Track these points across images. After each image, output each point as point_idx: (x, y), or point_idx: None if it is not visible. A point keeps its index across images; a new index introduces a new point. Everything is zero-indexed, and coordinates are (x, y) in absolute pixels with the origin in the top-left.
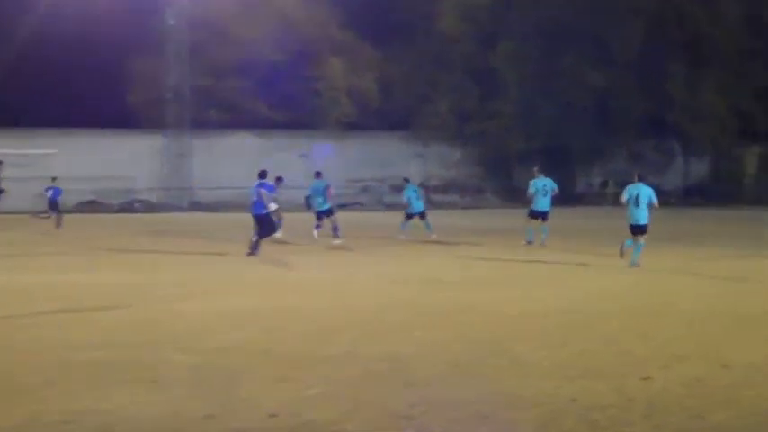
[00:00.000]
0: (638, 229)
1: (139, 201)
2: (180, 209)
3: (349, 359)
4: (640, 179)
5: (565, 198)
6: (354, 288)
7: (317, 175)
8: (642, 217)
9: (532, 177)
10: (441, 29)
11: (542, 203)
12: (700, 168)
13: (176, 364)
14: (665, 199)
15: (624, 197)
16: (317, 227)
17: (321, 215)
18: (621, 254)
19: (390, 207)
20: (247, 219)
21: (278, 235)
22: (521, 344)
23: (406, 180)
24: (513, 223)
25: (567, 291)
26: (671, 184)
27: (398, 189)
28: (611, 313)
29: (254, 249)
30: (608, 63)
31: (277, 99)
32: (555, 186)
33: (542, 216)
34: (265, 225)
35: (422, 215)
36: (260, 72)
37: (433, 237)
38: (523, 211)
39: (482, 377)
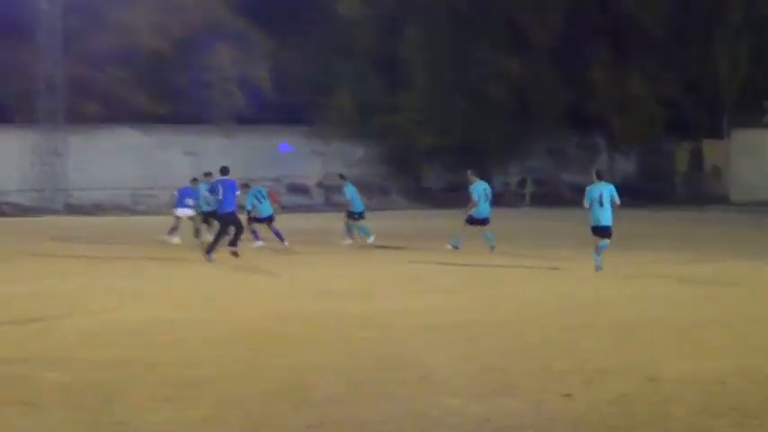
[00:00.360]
0: (603, 231)
1: (8, 203)
2: (54, 211)
3: (240, 376)
4: (600, 177)
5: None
6: (254, 299)
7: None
8: (607, 218)
9: (466, 182)
10: (341, 13)
11: (487, 210)
12: (626, 165)
13: (51, 383)
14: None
15: (587, 201)
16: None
17: (262, 221)
18: (599, 266)
19: (287, 209)
20: (125, 222)
21: (175, 240)
22: (429, 358)
23: (342, 177)
24: (425, 226)
25: (481, 299)
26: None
27: (296, 189)
28: (529, 323)
29: (210, 250)
30: (526, 50)
31: (161, 91)
32: (491, 191)
33: (485, 222)
34: (235, 224)
35: (362, 215)
36: (142, 61)
37: (370, 240)
38: (433, 213)
39: (386, 395)
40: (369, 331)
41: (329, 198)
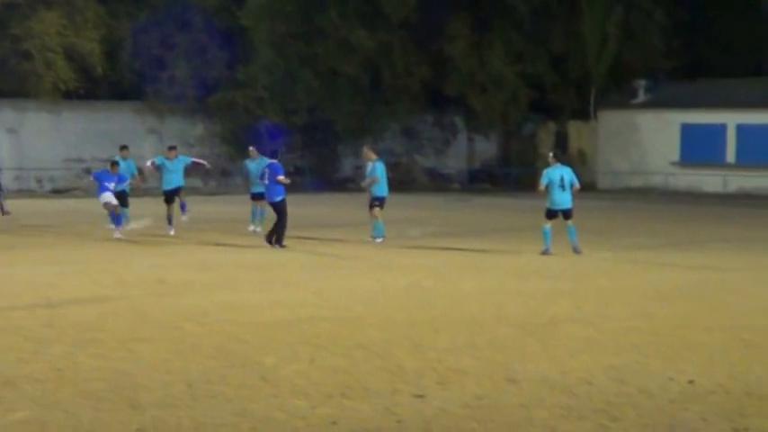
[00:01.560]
0: (566, 214)
1: None
2: None
3: (61, 376)
4: (558, 159)
5: (327, 183)
6: (78, 291)
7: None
8: (568, 200)
9: (366, 159)
10: None
11: (385, 189)
12: (487, 148)
13: None
14: (446, 184)
15: (543, 183)
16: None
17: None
18: (546, 250)
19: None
20: None
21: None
22: (270, 356)
23: (251, 155)
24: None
25: (326, 293)
26: (454, 166)
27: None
28: (379, 318)
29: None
30: (380, 23)
31: None
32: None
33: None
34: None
35: (263, 195)
36: None
37: (258, 230)
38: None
39: (223, 397)
40: (204, 327)
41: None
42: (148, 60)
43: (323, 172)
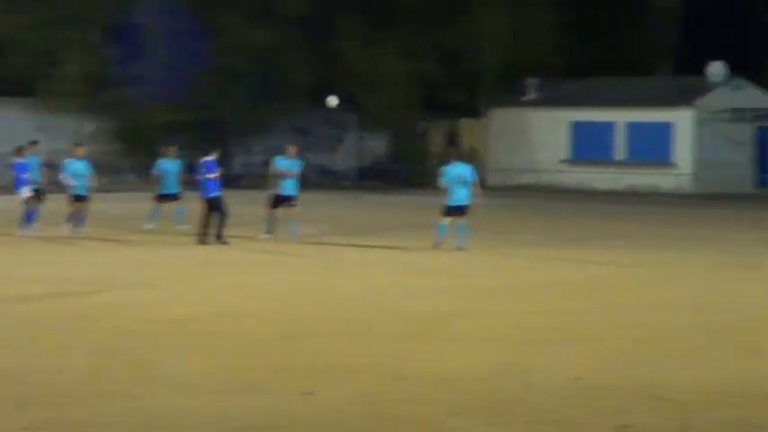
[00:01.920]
0: (461, 210)
1: None
2: None
3: None
4: (458, 157)
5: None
6: None
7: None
8: (466, 197)
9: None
10: None
11: (291, 187)
12: (378, 145)
13: None
14: (337, 182)
15: (444, 180)
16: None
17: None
18: (438, 243)
19: (6, 189)
20: None
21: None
22: (160, 354)
23: (162, 152)
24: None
25: (216, 289)
26: (345, 163)
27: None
28: (268, 317)
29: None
30: (273, 19)
31: None
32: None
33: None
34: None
35: (176, 197)
36: None
37: (184, 227)
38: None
39: (111, 394)
40: (92, 324)
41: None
42: (39, 55)
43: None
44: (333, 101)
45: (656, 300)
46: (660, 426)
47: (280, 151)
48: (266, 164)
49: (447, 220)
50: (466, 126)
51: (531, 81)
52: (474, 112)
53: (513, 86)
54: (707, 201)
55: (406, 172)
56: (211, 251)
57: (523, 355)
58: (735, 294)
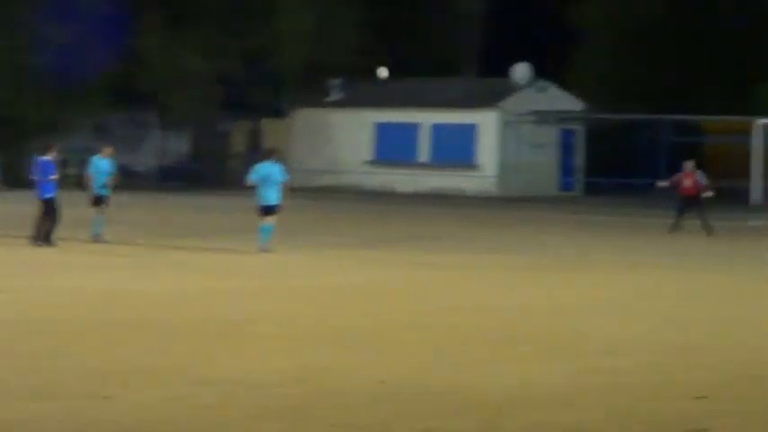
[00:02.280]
0: (271, 210)
1: None
2: None
3: None
4: (270, 156)
5: (15, 181)
6: None
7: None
8: (276, 197)
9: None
10: None
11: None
12: (179, 145)
13: None
14: (138, 182)
15: (254, 178)
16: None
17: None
18: (263, 248)
19: None
20: None
21: None
22: None
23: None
24: None
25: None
26: (146, 163)
27: None
28: (69, 321)
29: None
30: (72, 15)
31: None
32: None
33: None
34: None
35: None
36: None
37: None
38: None
39: None
40: None
41: None
42: None
43: (12, 170)
44: (383, 72)
45: (465, 302)
46: (462, 429)
47: (80, 151)
48: (63, 165)
49: (268, 221)
50: (269, 126)
51: (335, 81)
52: (278, 112)
53: (317, 86)
54: (511, 203)
55: (207, 172)
56: (39, 252)
57: (331, 357)
58: (546, 298)
